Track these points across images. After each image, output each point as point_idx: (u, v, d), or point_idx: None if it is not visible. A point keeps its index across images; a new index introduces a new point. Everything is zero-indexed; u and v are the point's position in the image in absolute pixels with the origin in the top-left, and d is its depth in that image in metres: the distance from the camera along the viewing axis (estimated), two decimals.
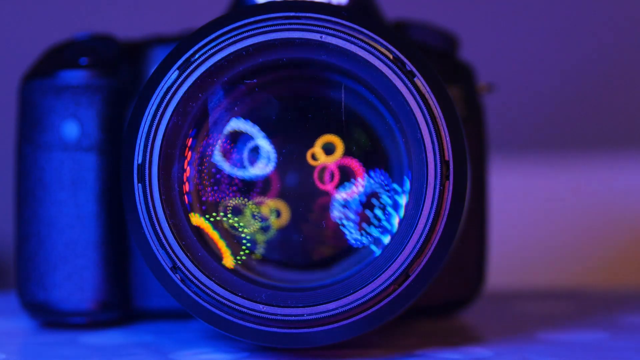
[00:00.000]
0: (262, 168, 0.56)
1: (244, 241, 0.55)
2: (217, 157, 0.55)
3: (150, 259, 0.54)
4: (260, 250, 0.56)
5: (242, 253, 0.55)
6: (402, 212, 0.54)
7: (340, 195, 0.55)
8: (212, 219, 0.55)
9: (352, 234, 0.55)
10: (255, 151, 0.56)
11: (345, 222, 0.55)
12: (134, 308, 0.64)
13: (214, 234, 0.55)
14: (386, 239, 0.54)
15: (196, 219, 0.55)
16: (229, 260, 0.55)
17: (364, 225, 0.55)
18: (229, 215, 0.55)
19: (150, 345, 0.59)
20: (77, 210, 0.62)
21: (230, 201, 0.55)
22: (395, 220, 0.55)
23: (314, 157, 0.56)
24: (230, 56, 0.54)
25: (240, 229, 0.55)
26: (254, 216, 0.55)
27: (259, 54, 0.54)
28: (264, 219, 0.55)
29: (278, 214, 0.56)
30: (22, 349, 0.61)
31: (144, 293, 0.63)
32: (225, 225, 0.55)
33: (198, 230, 0.55)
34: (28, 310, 0.63)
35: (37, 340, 0.61)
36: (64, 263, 0.61)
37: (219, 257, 0.55)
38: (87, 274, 0.62)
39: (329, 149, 0.56)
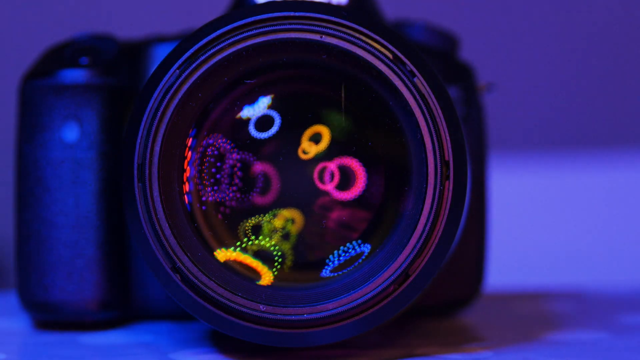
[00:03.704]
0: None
1: (275, 253, 0.55)
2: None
3: (150, 259, 0.54)
4: (290, 258, 0.56)
5: (276, 264, 0.55)
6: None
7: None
8: (240, 247, 0.55)
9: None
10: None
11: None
12: (134, 308, 0.64)
13: (247, 258, 0.55)
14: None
15: (224, 254, 0.55)
16: (267, 277, 0.55)
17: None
18: (252, 238, 0.55)
19: (150, 345, 0.59)
20: (77, 210, 0.62)
21: (248, 222, 0.55)
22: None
23: (304, 151, 0.56)
24: (231, 56, 0.54)
25: (268, 245, 0.55)
26: (272, 231, 0.55)
27: (259, 54, 0.54)
28: (282, 228, 0.56)
29: (292, 221, 0.56)
30: (22, 349, 0.61)
31: (144, 293, 0.63)
32: (254, 247, 0.55)
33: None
34: (28, 310, 0.63)
35: (37, 340, 0.61)
36: (64, 263, 0.61)
37: (252, 279, 0.55)
38: (87, 274, 0.62)
39: (316, 140, 0.56)
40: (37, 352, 0.58)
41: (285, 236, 0.56)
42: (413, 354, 0.56)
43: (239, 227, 0.56)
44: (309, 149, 0.56)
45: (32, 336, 0.62)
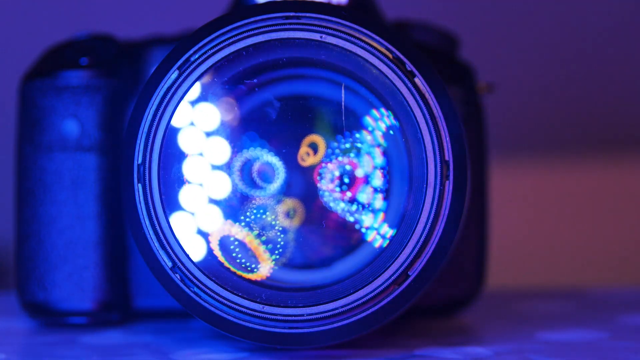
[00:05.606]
0: (278, 184, 0.56)
1: (279, 239, 0.55)
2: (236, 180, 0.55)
3: (150, 259, 0.54)
4: (290, 249, 0.56)
5: (277, 251, 0.55)
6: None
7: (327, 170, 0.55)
8: (245, 221, 0.55)
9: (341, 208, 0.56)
10: (266, 167, 0.56)
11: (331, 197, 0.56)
12: (134, 308, 0.64)
13: (248, 236, 0.55)
14: (376, 220, 0.55)
15: (226, 227, 0.55)
16: (266, 265, 0.55)
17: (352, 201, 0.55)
18: (256, 212, 0.55)
19: (150, 345, 0.59)
20: (77, 210, 0.62)
21: (254, 202, 0.55)
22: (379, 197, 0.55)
23: (303, 158, 0.56)
24: (230, 56, 0.54)
25: (273, 223, 0.55)
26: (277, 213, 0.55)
27: (259, 54, 0.54)
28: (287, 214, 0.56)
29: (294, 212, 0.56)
30: (22, 349, 0.61)
31: (144, 293, 0.63)
32: (260, 225, 0.55)
33: None
34: (28, 310, 0.63)
35: (37, 340, 0.61)
36: (64, 263, 0.61)
37: (251, 264, 0.55)
38: (87, 274, 0.62)
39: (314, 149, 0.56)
40: (37, 352, 0.58)
41: (284, 230, 0.56)
42: (413, 354, 0.56)
43: (243, 206, 0.56)
44: (306, 157, 0.56)
45: (32, 336, 0.62)
